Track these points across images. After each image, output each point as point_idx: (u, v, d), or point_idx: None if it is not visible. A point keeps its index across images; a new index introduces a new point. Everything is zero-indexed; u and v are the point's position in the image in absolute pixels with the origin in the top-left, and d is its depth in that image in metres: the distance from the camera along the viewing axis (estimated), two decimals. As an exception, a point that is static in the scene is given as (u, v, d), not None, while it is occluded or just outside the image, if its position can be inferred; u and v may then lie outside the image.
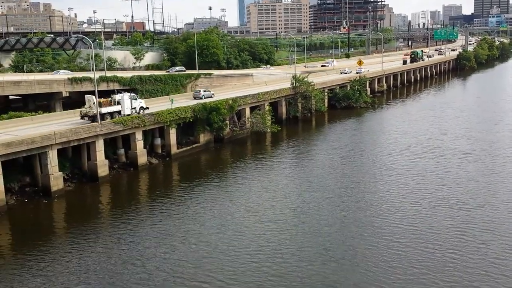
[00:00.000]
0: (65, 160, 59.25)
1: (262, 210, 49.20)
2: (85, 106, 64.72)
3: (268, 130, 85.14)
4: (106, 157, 61.43)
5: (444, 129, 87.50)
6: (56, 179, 54.89)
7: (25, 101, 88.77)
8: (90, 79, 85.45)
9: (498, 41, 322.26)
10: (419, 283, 34.65)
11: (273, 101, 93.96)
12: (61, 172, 56.22)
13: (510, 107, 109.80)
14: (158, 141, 71.26)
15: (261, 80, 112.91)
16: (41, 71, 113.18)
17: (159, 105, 76.41)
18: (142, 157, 65.99)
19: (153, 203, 52.84)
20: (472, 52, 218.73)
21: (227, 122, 78.96)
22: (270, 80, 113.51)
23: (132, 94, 69.74)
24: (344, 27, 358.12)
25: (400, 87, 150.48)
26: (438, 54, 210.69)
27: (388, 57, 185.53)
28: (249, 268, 37.32)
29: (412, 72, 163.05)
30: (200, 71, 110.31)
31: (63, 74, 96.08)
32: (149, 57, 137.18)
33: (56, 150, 55.23)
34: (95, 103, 62.38)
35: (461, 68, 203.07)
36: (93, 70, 71.76)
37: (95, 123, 60.47)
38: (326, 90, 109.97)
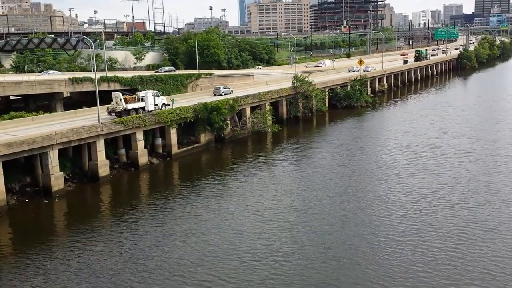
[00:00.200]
0: (66, 160, 59.31)
1: (263, 209, 49.23)
2: (112, 102, 67.12)
3: (269, 130, 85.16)
4: (107, 157, 61.49)
5: (445, 128, 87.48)
6: (57, 179, 54.94)
7: (26, 102, 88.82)
8: (91, 79, 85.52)
9: (499, 40, 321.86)
10: (420, 282, 34.65)
11: (274, 101, 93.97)
12: (62, 172, 56.28)
13: (511, 107, 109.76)
14: (159, 141, 71.31)
15: (262, 80, 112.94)
16: (41, 71, 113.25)
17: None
18: (143, 157, 66.04)
19: (153, 203, 52.88)
20: (473, 52, 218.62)
21: (228, 122, 78.97)
22: (271, 80, 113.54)
23: (155, 91, 72.19)
24: (344, 27, 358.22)
25: (401, 86, 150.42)
26: (442, 53, 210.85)
27: (389, 57, 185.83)
28: (250, 267, 37.36)
29: (413, 71, 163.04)
30: (201, 71, 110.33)
31: (53, 75, 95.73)
32: (150, 57, 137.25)
33: (57, 150, 55.28)
34: (122, 99, 65.55)
35: (462, 67, 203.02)
36: (94, 70, 71.81)
37: (97, 123, 60.53)
38: (327, 90, 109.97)
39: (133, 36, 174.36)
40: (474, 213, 46.81)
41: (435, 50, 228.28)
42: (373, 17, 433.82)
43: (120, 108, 65.54)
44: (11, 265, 39.17)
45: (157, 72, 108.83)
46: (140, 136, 65.63)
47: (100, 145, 60.30)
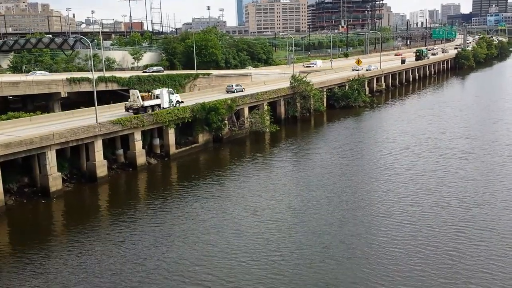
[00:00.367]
0: (63, 160, 59.24)
1: (261, 209, 49.25)
2: (130, 99, 70.21)
3: (267, 130, 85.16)
4: (104, 158, 61.44)
5: (443, 128, 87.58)
6: (55, 180, 54.88)
7: (24, 102, 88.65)
8: (88, 80, 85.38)
9: (497, 40, 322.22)
10: (418, 281, 34.70)
11: (272, 101, 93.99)
12: (60, 173, 56.21)
13: (508, 106, 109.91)
14: (157, 141, 71.26)
15: (260, 80, 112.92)
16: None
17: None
18: (141, 157, 66.01)
19: (152, 203, 52.86)
20: (471, 51, 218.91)
21: (226, 122, 78.98)
22: (269, 79, 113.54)
23: (170, 89, 75.45)
24: (342, 27, 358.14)
25: (398, 86, 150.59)
26: (442, 52, 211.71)
27: (387, 56, 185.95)
28: (249, 267, 37.37)
29: (410, 71, 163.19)
30: (199, 71, 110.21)
31: (40, 76, 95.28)
32: (148, 57, 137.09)
33: (54, 150, 55.24)
34: (139, 97, 68.57)
35: (459, 67, 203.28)
36: (91, 71, 71.71)
37: (95, 123, 60.48)
38: (325, 90, 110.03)
39: (131, 36, 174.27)
40: (472, 213, 46.89)
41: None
42: (370, 16, 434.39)
43: (137, 105, 68.48)
44: (10, 265, 39.13)
45: (145, 72, 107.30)
46: (138, 136, 65.60)
47: (98, 146, 60.26)
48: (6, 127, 60.72)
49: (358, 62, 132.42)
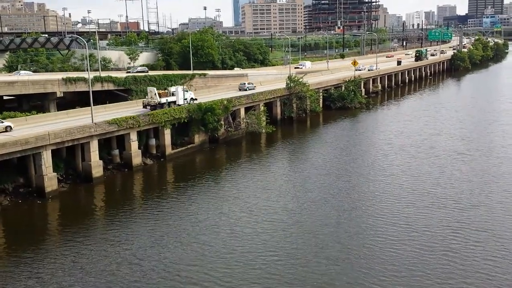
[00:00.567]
0: (59, 160, 59.07)
1: (257, 210, 49.23)
2: (147, 96, 73.93)
3: (263, 130, 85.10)
4: (100, 158, 61.27)
5: (439, 129, 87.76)
6: (50, 180, 54.72)
7: (20, 102, 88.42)
8: (84, 79, 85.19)
9: (493, 41, 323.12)
10: (414, 282, 34.75)
11: (268, 102, 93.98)
12: (55, 173, 56.07)
13: (504, 108, 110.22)
14: (152, 141, 71.15)
15: (256, 81, 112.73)
16: (35, 71, 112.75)
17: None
18: (137, 158, 65.87)
19: (147, 203, 52.77)
20: (467, 53, 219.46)
21: (222, 122, 78.90)
22: (265, 80, 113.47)
23: (184, 87, 78.60)
24: (338, 28, 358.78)
25: (394, 87, 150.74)
26: (440, 53, 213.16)
27: (383, 58, 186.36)
28: (245, 267, 37.36)
29: (406, 72, 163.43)
30: (195, 71, 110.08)
31: (25, 75, 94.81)
32: (144, 57, 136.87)
33: (50, 150, 55.07)
34: (156, 94, 71.67)
35: (455, 68, 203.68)
36: (87, 70, 71.61)
37: (91, 123, 60.33)
38: (321, 91, 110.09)
39: (127, 36, 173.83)
40: (467, 214, 46.99)
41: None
42: (367, 18, 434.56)
43: (155, 101, 71.37)
44: (5, 266, 38.98)
45: (129, 72, 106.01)
46: (134, 136, 65.47)
47: (94, 146, 60.10)
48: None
49: (354, 63, 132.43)
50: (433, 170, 61.93)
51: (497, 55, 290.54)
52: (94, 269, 37.79)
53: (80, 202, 55.89)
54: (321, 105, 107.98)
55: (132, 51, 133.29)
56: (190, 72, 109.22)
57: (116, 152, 65.93)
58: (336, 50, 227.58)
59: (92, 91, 65.25)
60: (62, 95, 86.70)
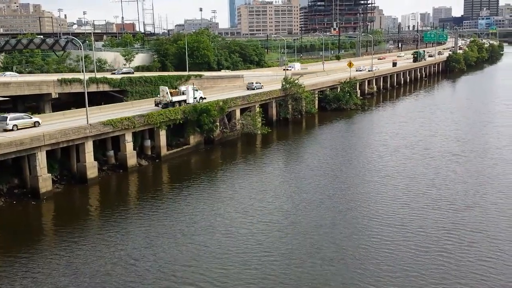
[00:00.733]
0: (54, 161, 58.93)
1: (252, 211, 49.23)
2: (159, 95, 76.88)
3: (259, 132, 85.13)
4: (95, 159, 61.18)
5: (434, 130, 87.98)
6: (45, 181, 54.59)
7: (14, 103, 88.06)
8: (79, 81, 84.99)
9: (488, 43, 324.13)
10: (408, 283, 34.80)
11: (264, 103, 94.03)
12: (50, 174, 55.91)
13: (499, 109, 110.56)
14: (148, 142, 71.06)
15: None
16: (30, 72, 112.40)
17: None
18: (132, 159, 65.79)
19: (142, 204, 52.68)
20: (462, 54, 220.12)
21: (218, 123, 78.91)
22: (261, 81, 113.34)
23: (194, 86, 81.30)
24: (334, 29, 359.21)
25: (390, 89, 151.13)
26: (438, 54, 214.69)
27: (375, 60, 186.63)
28: (239, 269, 37.33)
29: (401, 74, 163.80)
30: (191, 73, 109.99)
31: (9, 77, 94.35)
32: (139, 59, 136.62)
33: (45, 151, 54.94)
34: (168, 93, 74.80)
35: (450, 70, 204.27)
36: (82, 72, 71.50)
37: (86, 124, 60.22)
38: (317, 92, 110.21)
39: (123, 37, 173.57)
40: (462, 215, 47.10)
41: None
42: (362, 19, 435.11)
43: (166, 100, 74.31)
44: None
45: (113, 74, 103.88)
46: (129, 137, 65.39)
47: (89, 147, 60.01)
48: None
49: (350, 64, 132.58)
50: (428, 171, 62.07)
51: (492, 57, 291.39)
52: (89, 269, 37.71)
53: (75, 203, 55.76)
54: (316, 106, 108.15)
55: (128, 52, 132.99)
56: (186, 73, 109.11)
57: (111, 153, 65.85)
58: (332, 52, 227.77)
59: (88, 92, 65.19)
60: (57, 96, 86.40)
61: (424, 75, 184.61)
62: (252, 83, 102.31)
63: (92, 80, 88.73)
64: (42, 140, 54.02)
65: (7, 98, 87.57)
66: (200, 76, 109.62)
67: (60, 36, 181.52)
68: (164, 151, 70.84)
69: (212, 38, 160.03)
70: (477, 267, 36.89)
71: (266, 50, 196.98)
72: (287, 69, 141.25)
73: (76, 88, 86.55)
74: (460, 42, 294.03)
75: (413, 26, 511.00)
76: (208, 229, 44.91)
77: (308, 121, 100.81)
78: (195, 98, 78.96)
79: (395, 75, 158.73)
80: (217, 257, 39.35)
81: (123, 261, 39.00)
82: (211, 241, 42.37)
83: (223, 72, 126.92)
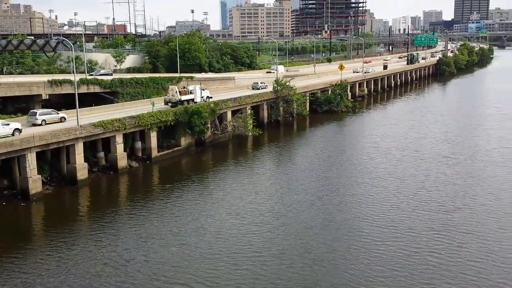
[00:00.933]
0: (44, 163, 58.66)
1: (243, 212, 49.25)
2: (168, 94, 79.73)
3: (250, 133, 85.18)
4: (85, 160, 60.95)
5: (424, 133, 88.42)
6: (35, 182, 54.30)
7: (4, 104, 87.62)
8: (70, 82, 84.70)
9: (478, 46, 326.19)
10: (398, 284, 34.95)
11: (255, 105, 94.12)
12: (40, 175, 55.62)
13: (489, 112, 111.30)
14: (138, 144, 70.87)
15: (243, 84, 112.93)
16: (20, 73, 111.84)
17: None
18: (122, 160, 65.60)
19: (132, 206, 52.54)
20: (452, 58, 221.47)
21: (209, 125, 78.87)
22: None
23: (201, 86, 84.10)
24: (325, 32, 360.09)
25: (380, 91, 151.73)
26: (431, 57, 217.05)
27: (370, 63, 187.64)
28: (230, 269, 37.35)
29: (392, 77, 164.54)
30: (182, 74, 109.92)
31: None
32: (130, 60, 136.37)
33: (35, 153, 54.66)
34: (177, 92, 77.81)
35: (440, 73, 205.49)
36: (73, 73, 71.26)
37: (76, 125, 60.03)
38: (308, 94, 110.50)
39: (114, 39, 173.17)
40: (451, 216, 47.38)
41: (401, 57, 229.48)
42: (353, 22, 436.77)
43: (176, 99, 77.44)
44: (-13, 268, 38.59)
45: (91, 75, 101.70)
46: (119, 139, 65.21)
47: (79, 148, 59.78)
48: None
49: (341, 67, 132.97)
50: (418, 173, 62.39)
51: (482, 60, 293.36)
52: (79, 270, 37.57)
53: (65, 204, 55.52)
54: (307, 108, 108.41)
55: (119, 53, 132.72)
56: (177, 75, 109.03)
57: (101, 154, 65.63)
58: (323, 54, 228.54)
59: (78, 93, 65.01)
60: (47, 97, 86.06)
61: (414, 78, 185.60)
62: (257, 83, 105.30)
63: (82, 82, 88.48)
64: (32, 141, 53.75)
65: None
66: (192, 78, 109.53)
67: (51, 37, 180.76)
68: (155, 152, 70.69)
69: (203, 40, 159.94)
70: (467, 268, 37.13)
71: (257, 52, 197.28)
72: (270, 71, 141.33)
73: (66, 89, 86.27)
74: (451, 46, 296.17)
75: (404, 30, 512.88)
76: (199, 231, 44.89)
77: (299, 123, 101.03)
78: (202, 97, 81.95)
79: (386, 78, 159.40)
80: (208, 258, 39.35)
81: (113, 262, 38.89)
82: (202, 242, 42.35)
83: (214, 74, 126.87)
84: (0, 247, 42.43)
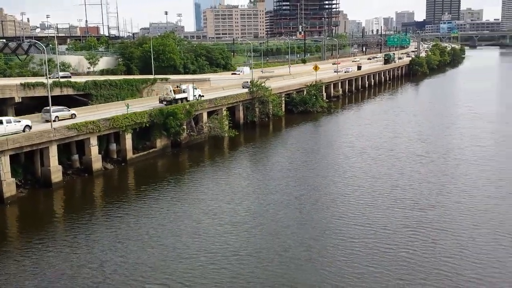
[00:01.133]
0: (18, 166, 57.92)
1: (220, 213, 49.27)
2: (163, 93, 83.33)
3: (226, 134, 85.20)
4: (60, 163, 60.28)
5: (398, 132, 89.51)
6: (9, 185, 53.53)
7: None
8: (43, 85, 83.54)
9: (450, 46, 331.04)
10: (374, 282, 35.34)
11: (231, 106, 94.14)
12: (14, 178, 54.87)
13: (461, 112, 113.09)
14: (113, 146, 70.31)
15: (219, 85, 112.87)
16: None
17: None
18: (97, 163, 65.02)
19: (108, 208, 52.13)
20: (425, 58, 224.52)
21: (184, 127, 78.66)
22: (228, 85, 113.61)
23: (193, 85, 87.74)
24: (300, 33, 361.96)
25: (355, 92, 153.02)
26: (407, 57, 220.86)
27: (344, 63, 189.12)
28: (207, 270, 37.33)
29: (366, 77, 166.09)
30: (157, 76, 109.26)
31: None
32: (104, 62, 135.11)
33: (8, 156, 53.91)
34: (171, 90, 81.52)
35: (413, 73, 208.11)
36: (46, 75, 70.43)
37: (49, 129, 59.35)
38: (283, 95, 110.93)
39: (87, 41, 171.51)
40: (425, 214, 48.05)
41: (370, 59, 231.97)
42: (327, 23, 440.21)
43: (170, 97, 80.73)
44: (-40, 274, 37.92)
45: (50, 77, 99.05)
46: (94, 141, 64.64)
47: (53, 151, 59.09)
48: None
49: (316, 68, 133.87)
50: (393, 171, 63.15)
51: (454, 60, 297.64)
52: (54, 273, 37.17)
53: (39, 207, 54.84)
54: (283, 109, 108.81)
55: (92, 55, 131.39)
56: (152, 76, 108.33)
57: (76, 157, 64.98)
58: (298, 55, 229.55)
59: (52, 96, 64.25)
60: (20, 100, 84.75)
61: (388, 78, 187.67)
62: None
63: (55, 84, 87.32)
64: (5, 144, 53.02)
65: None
66: (167, 79, 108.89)
67: (23, 40, 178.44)
68: (130, 154, 70.23)
69: (178, 42, 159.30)
70: (441, 264, 37.72)
71: (232, 53, 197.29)
72: (235, 73, 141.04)
73: (39, 92, 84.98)
74: (421, 47, 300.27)
75: (377, 31, 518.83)
76: (176, 232, 44.77)
77: (275, 124, 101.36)
78: (195, 95, 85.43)
79: (360, 78, 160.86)
80: (185, 258, 39.30)
81: (89, 264, 38.57)
82: (179, 243, 42.26)
83: (190, 76, 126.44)
84: (-27, 252, 41.75)
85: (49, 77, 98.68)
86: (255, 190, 56.87)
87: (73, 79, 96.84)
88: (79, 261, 39.10)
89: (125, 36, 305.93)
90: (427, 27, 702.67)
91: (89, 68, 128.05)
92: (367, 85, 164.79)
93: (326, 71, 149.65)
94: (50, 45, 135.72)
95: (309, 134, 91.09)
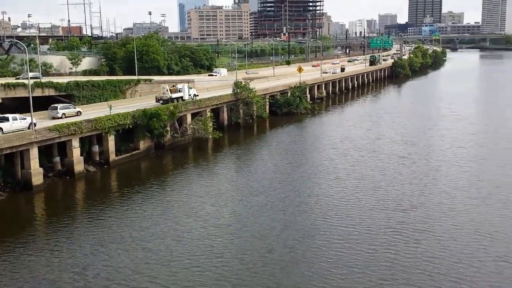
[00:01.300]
0: (-3, 168, 57.10)
1: (204, 215, 49.05)
2: (160, 92, 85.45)
3: (210, 136, 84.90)
4: (41, 165, 59.48)
5: (381, 134, 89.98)
6: (-12, 188, 52.77)
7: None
8: (24, 85, 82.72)
9: (432, 49, 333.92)
10: (357, 283, 35.41)
11: (215, 107, 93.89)
12: (-6, 181, 54.12)
13: (443, 113, 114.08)
14: (96, 148, 69.56)
15: (203, 87, 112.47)
16: None
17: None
18: (79, 165, 64.25)
19: (90, 211, 51.61)
20: (407, 60, 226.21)
21: (168, 128, 78.25)
22: (212, 86, 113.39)
23: (189, 85, 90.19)
24: (284, 34, 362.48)
25: (338, 94, 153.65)
26: (391, 59, 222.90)
27: (327, 65, 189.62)
28: (191, 272, 37.14)
29: (349, 79, 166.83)
30: (140, 77, 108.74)
31: None
32: (87, 62, 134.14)
33: (-12, 158, 53.15)
34: (168, 90, 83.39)
35: (396, 75, 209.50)
36: (27, 76, 69.67)
37: (29, 130, 58.67)
38: (267, 97, 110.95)
39: (69, 41, 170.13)
40: (408, 215, 48.32)
41: (350, 61, 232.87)
42: (311, 25, 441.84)
43: (167, 96, 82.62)
44: None
45: (18, 78, 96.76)
46: (76, 143, 63.89)
47: (34, 153, 58.22)
48: None
49: (300, 69, 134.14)
50: (376, 173, 63.44)
51: (436, 63, 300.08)
52: (35, 278, 36.66)
53: (20, 210, 54.05)
54: (267, 111, 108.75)
55: (74, 56, 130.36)
56: (135, 77, 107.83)
57: (57, 159, 64.15)
58: (282, 57, 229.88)
59: (33, 97, 63.50)
60: (0, 101, 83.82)
61: (371, 80, 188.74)
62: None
63: (37, 85, 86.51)
64: (-16, 146, 52.24)
65: None
66: (150, 80, 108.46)
67: (4, 39, 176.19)
68: (112, 156, 69.62)
69: (161, 42, 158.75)
70: (423, 264, 37.94)
71: (217, 54, 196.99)
72: (212, 75, 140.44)
73: (20, 93, 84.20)
74: (406, 48, 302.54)
75: (360, 33, 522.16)
76: (159, 235, 44.45)
77: (259, 125, 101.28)
78: (190, 95, 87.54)
79: (344, 80, 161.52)
80: (168, 261, 39.02)
81: (71, 268, 38.11)
82: (162, 246, 41.97)
83: (174, 77, 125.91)
84: (-48, 255, 41.06)
85: (18, 78, 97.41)
86: (239, 192, 56.75)
87: (55, 79, 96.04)
88: (61, 266, 38.61)
89: (108, 36, 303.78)
90: (409, 29, 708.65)
91: (71, 68, 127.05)
92: (350, 87, 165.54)
93: (309, 72, 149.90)
94: (32, 45, 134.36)
95: (293, 136, 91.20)
